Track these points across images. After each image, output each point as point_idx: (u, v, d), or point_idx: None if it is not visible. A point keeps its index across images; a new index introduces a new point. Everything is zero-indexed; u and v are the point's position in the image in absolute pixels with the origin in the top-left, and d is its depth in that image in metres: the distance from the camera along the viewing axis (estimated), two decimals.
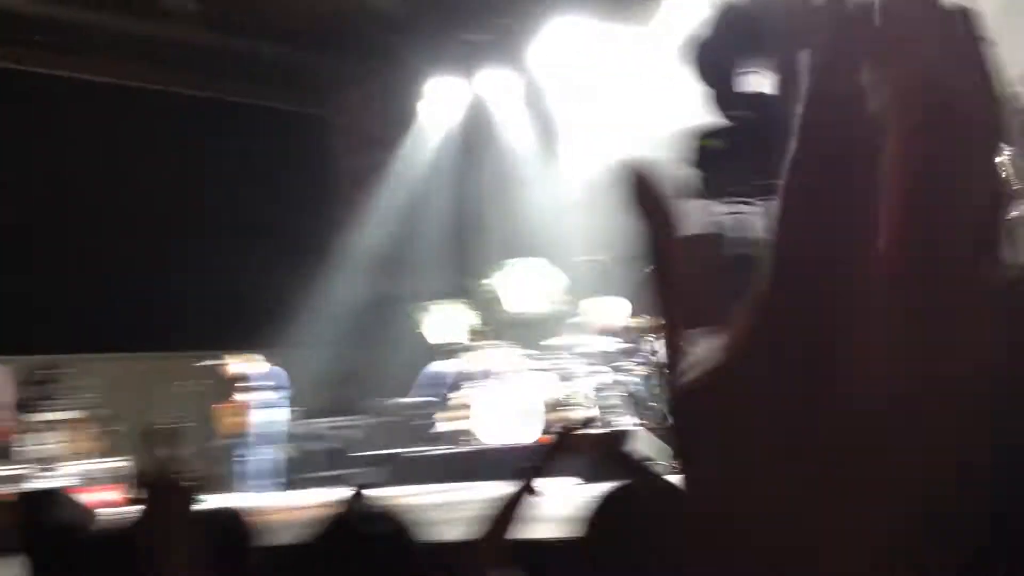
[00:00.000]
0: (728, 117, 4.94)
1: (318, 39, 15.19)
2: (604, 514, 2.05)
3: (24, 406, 12.66)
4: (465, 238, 15.51)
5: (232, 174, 15.62)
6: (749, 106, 4.95)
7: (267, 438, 12.45)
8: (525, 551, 2.68)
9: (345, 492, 4.36)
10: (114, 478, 12.53)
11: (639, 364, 10.90)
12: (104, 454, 12.88)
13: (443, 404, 12.29)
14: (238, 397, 12.42)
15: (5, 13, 13.16)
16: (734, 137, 4.89)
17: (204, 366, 12.59)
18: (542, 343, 12.70)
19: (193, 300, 14.45)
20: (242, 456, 12.35)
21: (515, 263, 12.95)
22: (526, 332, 13.35)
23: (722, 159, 4.90)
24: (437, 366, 12.63)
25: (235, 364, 12.51)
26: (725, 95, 4.97)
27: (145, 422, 11.28)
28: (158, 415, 12.35)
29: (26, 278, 13.57)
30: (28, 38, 13.88)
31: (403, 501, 9.28)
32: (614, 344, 10.99)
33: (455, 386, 12.30)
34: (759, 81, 5.11)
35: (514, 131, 14.99)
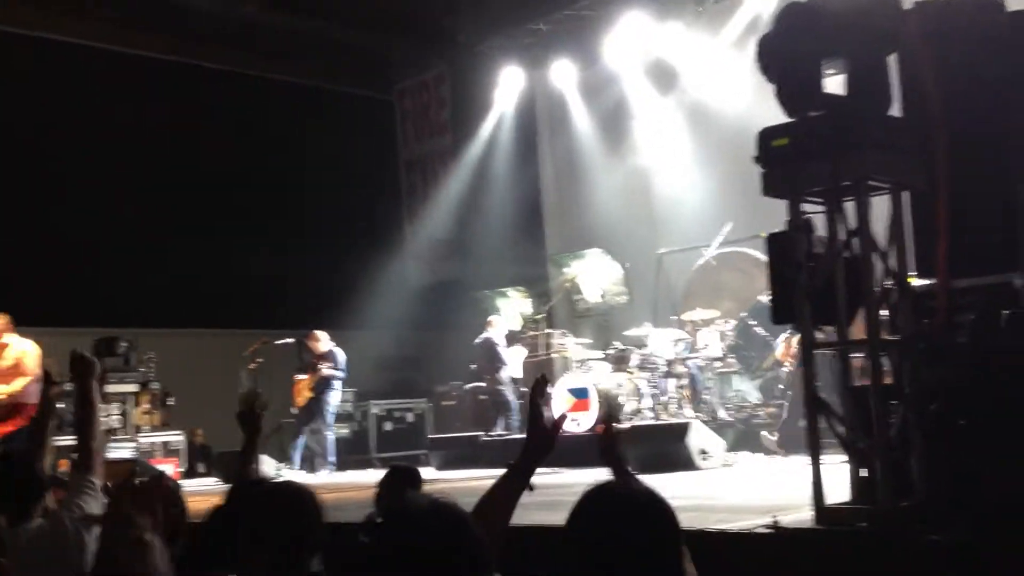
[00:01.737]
0: (800, 116, 4.96)
1: (388, 25, 15.34)
2: (581, 511, 2.09)
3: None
4: (529, 227, 15.60)
5: (300, 157, 15.85)
6: (822, 105, 4.97)
7: (328, 417, 12.64)
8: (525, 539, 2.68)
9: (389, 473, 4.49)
10: (168, 451, 12.88)
11: (693, 357, 10.95)
12: (158, 428, 13.22)
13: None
14: (316, 372, 12.58)
15: None
16: (806, 137, 4.91)
17: (285, 343, 12.72)
18: (599, 333, 12.80)
19: (254, 280, 14.70)
20: (307, 432, 12.55)
21: (587, 253, 13.03)
22: (588, 321, 13.45)
23: (792, 159, 4.92)
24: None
25: (324, 342, 12.65)
26: (797, 94, 4.99)
27: (204, 397, 11.52)
28: (214, 391, 12.67)
29: (89, 254, 13.90)
30: (103, 13, 14.16)
31: (456, 484, 9.40)
32: (670, 336, 11.04)
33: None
34: (833, 81, 5.13)
35: (581, 122, 15.02)
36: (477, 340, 12.72)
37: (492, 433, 12.24)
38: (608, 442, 3.24)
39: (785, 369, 9.99)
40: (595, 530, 2.02)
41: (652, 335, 11.17)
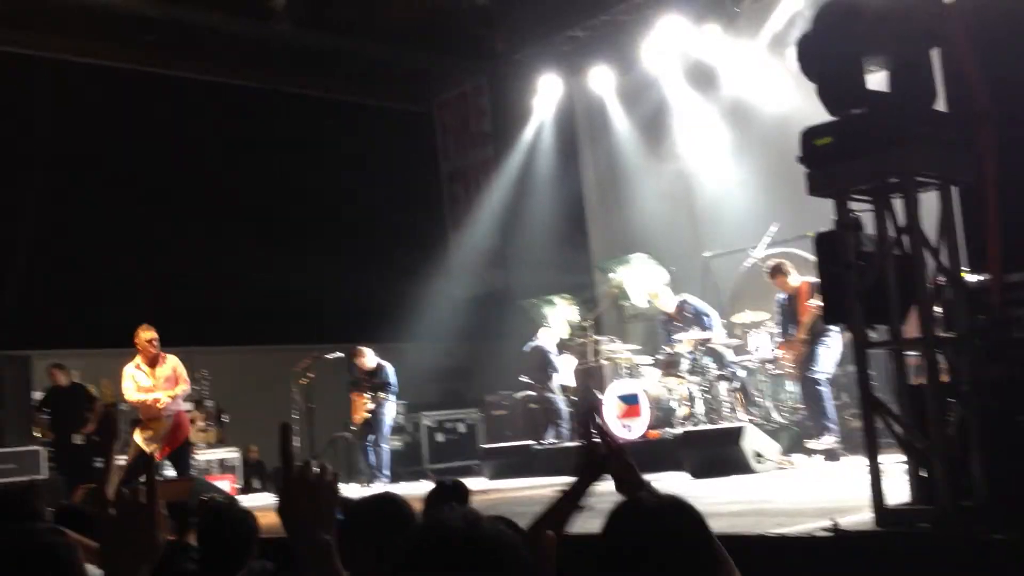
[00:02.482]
0: (843, 115, 4.93)
1: (424, 38, 15.38)
2: (612, 524, 2.10)
3: None
4: (573, 234, 15.61)
5: (343, 173, 15.93)
6: (865, 103, 4.93)
7: (385, 429, 12.73)
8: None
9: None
10: (224, 468, 13.03)
11: (744, 360, 10.87)
12: (214, 445, 13.37)
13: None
14: (367, 389, 12.68)
15: (123, 15, 13.60)
16: (850, 135, 4.87)
17: (336, 357, 12.75)
18: (648, 338, 12.74)
19: (302, 296, 14.80)
20: (367, 447, 12.65)
21: (632, 258, 13.00)
22: (635, 327, 13.41)
23: (837, 157, 4.89)
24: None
25: (370, 357, 12.72)
26: (839, 92, 4.95)
27: (257, 413, 11.62)
28: (266, 407, 12.78)
29: (138, 273, 14.05)
30: (143, 39, 14.29)
31: (509, 494, 9.37)
32: (720, 339, 10.97)
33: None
34: (875, 77, 5.09)
35: (621, 127, 14.99)
36: (527, 348, 12.73)
37: (544, 441, 12.24)
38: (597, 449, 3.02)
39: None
40: (625, 543, 2.04)
41: (702, 338, 11.09)
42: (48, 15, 13.48)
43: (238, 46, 14.81)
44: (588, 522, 2.62)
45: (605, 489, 2.84)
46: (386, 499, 2.99)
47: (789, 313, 9.71)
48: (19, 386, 13.21)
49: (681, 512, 2.08)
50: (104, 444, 11.36)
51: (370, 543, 2.69)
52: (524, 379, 12.96)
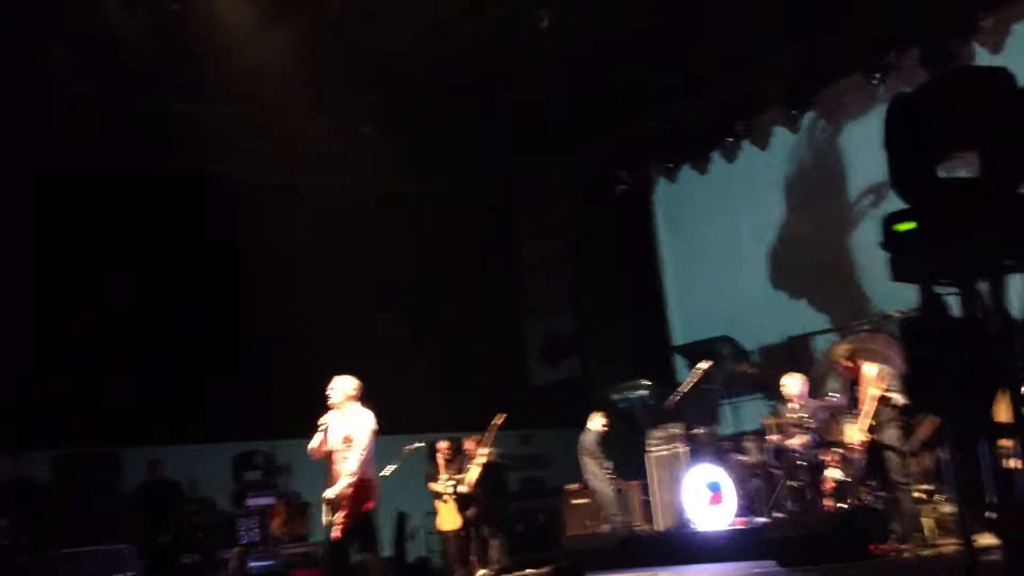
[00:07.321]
0: (926, 201, 4.94)
1: (503, 129, 15.49)
2: None
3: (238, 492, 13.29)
4: (651, 319, 15.62)
5: (422, 263, 16.03)
6: (949, 189, 4.94)
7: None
8: None
9: None
10: (308, 561, 12.93)
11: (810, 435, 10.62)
12: (298, 538, 13.32)
13: None
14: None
15: (206, 121, 13.88)
16: (934, 220, 4.88)
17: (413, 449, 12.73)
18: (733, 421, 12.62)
19: (387, 385, 14.79)
20: None
21: (713, 341, 12.94)
22: (719, 410, 13.29)
23: (920, 243, 4.89)
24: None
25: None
26: (921, 178, 4.98)
27: None
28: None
29: (221, 368, 14.20)
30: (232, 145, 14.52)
31: None
32: (792, 416, 10.74)
33: None
34: (959, 164, 5.10)
35: (700, 212, 15.07)
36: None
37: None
38: None
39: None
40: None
41: (780, 416, 10.91)
42: None
43: (316, 149, 14.78)
44: None
45: None
46: None
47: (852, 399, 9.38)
48: (107, 483, 13.18)
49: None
50: None
51: None
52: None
